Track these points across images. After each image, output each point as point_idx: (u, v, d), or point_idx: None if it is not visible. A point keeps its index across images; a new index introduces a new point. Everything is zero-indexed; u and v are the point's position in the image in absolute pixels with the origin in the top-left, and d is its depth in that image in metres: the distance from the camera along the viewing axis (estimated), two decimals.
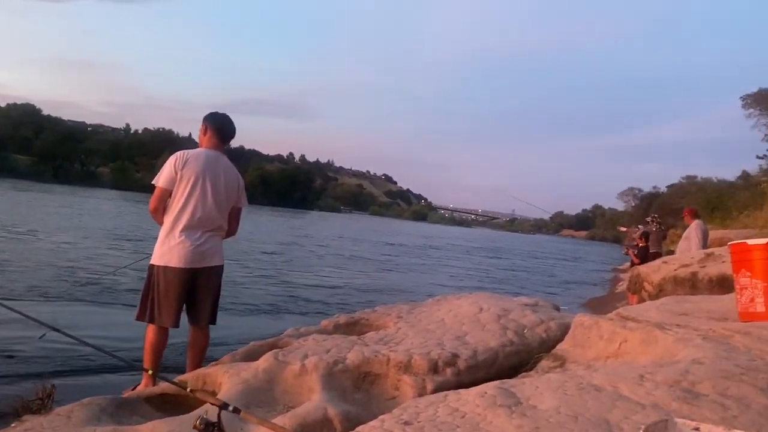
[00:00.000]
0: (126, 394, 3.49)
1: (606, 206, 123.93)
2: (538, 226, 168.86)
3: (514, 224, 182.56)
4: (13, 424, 2.98)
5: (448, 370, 3.32)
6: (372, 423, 2.19)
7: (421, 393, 3.10)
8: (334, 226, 47.80)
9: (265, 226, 31.44)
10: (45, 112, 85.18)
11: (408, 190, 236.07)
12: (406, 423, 2.12)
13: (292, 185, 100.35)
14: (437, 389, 3.10)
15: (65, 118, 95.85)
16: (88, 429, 2.91)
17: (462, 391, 2.41)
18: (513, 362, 3.63)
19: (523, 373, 3.32)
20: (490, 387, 2.35)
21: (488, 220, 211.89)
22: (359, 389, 3.25)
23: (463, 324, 4.05)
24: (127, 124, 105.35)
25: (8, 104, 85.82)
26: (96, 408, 3.16)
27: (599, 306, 12.37)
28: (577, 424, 1.94)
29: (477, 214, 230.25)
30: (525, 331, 3.98)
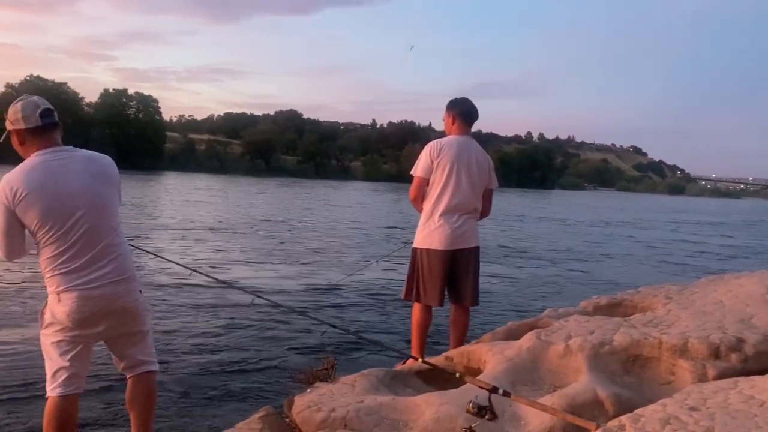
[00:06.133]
0: (398, 367, 3.76)
1: None
2: None
3: None
4: (308, 390, 3.39)
5: (733, 356, 3.01)
6: (652, 407, 2.09)
7: (701, 379, 2.86)
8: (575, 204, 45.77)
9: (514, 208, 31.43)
10: (305, 115, 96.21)
11: (660, 161, 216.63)
12: (693, 408, 1.99)
13: (531, 165, 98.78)
14: (720, 376, 2.84)
15: (321, 119, 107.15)
16: (369, 397, 3.20)
17: (757, 378, 2.19)
18: None
19: None
20: None
21: (761, 189, 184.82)
22: (629, 372, 3.11)
23: (747, 305, 3.63)
24: (373, 120, 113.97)
25: (276, 112, 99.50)
26: (374, 379, 3.47)
27: None
28: None
29: (747, 183, 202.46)
30: None
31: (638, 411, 2.08)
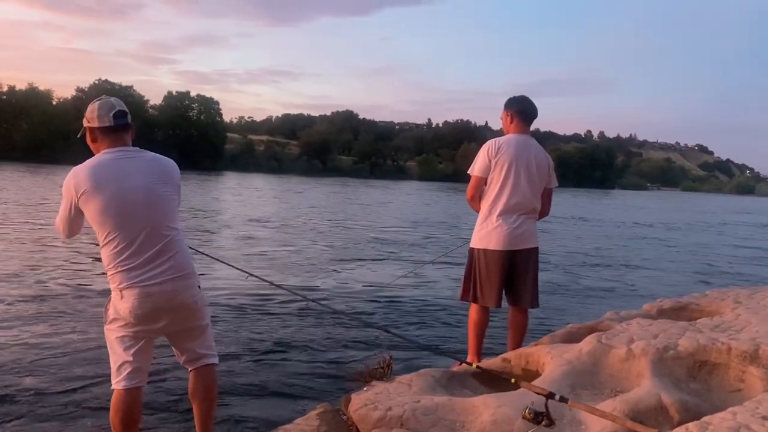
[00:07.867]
0: (455, 368, 3.74)
1: None
2: None
3: None
4: (365, 388, 3.40)
5: None
6: (721, 414, 2.02)
7: None
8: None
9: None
10: (361, 116, 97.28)
11: (728, 160, 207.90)
12: (765, 418, 1.91)
13: (591, 164, 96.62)
14: None
15: (377, 119, 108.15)
16: (426, 397, 3.19)
17: None
18: None
19: None
20: None
21: None
22: (695, 378, 3.00)
23: None
24: (429, 119, 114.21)
25: (332, 112, 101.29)
26: (431, 379, 3.45)
27: None
28: None
29: None
30: None
31: (706, 419, 2.00)
